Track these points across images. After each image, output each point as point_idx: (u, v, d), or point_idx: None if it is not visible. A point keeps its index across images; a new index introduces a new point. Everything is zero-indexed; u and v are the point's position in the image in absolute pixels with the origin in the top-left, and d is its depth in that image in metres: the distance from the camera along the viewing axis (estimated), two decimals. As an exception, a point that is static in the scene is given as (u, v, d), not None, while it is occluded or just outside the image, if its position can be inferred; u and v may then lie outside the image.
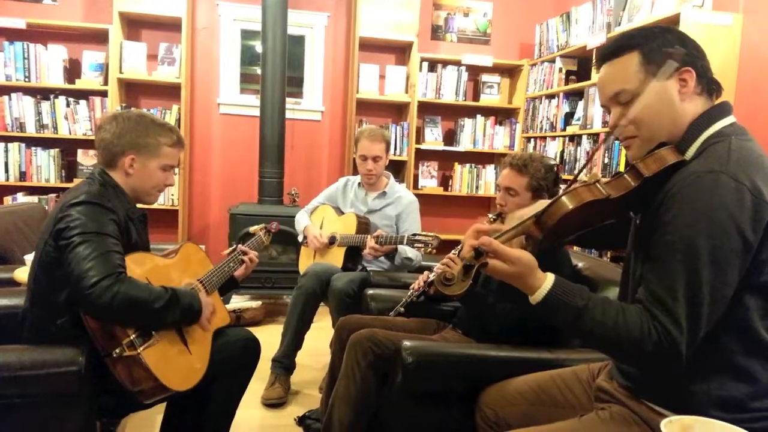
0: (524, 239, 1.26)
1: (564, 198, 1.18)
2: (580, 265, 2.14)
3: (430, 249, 2.63)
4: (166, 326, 1.66)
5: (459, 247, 1.99)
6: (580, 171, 1.46)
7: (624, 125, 1.25)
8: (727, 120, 1.22)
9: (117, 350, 1.53)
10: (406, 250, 2.90)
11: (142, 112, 1.87)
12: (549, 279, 1.19)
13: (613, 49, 1.26)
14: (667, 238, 1.12)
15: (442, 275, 1.20)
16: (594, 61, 1.35)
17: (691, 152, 1.20)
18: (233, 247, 2.15)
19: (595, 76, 3.71)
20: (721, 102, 1.25)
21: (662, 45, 1.21)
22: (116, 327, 1.55)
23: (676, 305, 1.08)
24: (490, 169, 4.88)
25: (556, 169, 2.07)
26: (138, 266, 1.67)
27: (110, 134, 1.76)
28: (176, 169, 1.94)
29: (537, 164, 2.00)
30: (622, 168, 3.31)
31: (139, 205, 1.86)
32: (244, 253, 2.11)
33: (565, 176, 3.84)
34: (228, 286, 2.07)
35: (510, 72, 4.94)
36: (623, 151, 3.31)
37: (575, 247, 3.80)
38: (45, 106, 4.16)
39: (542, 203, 1.43)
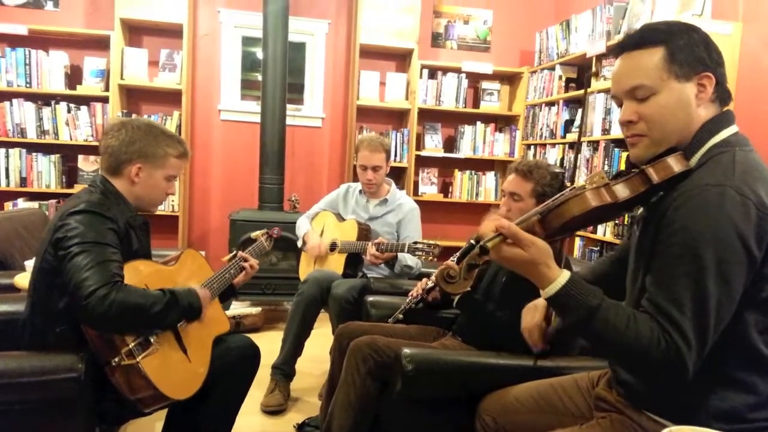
0: None
1: (571, 202, 1.18)
2: (580, 273, 2.14)
3: (431, 257, 2.63)
4: (168, 327, 1.67)
5: (457, 254, 1.99)
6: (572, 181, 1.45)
7: (635, 121, 1.23)
8: (732, 129, 1.21)
9: (116, 359, 1.53)
10: (406, 258, 2.90)
11: (150, 121, 1.87)
12: (564, 274, 1.17)
13: (637, 40, 1.22)
14: (672, 250, 1.11)
15: (445, 272, 1.18)
16: (614, 48, 1.30)
17: (695, 159, 1.19)
18: (234, 253, 2.15)
19: (595, 84, 3.73)
20: (726, 110, 1.24)
21: (688, 44, 1.19)
22: (115, 335, 1.55)
23: (683, 318, 1.07)
24: (490, 175, 4.88)
25: (561, 177, 2.07)
26: (139, 273, 1.67)
27: (118, 141, 1.76)
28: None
29: (543, 171, 2.00)
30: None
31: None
32: (245, 260, 2.11)
33: (568, 184, 3.84)
34: (226, 294, 2.07)
35: (510, 79, 4.96)
36: (623, 159, 3.32)
37: (575, 254, 3.80)
38: (46, 112, 4.17)
39: None
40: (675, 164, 1.17)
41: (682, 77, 1.18)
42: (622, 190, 1.18)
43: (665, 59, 1.18)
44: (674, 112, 1.20)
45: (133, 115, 4.34)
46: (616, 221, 3.40)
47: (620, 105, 1.27)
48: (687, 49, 1.19)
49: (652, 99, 1.20)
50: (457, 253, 1.96)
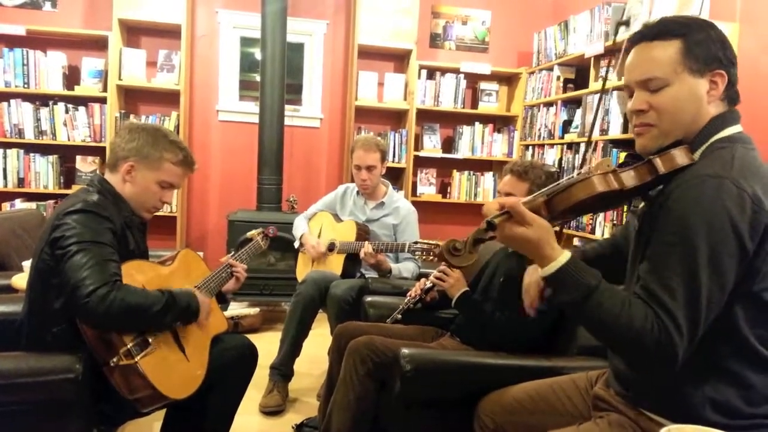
0: None
1: (578, 186, 1.19)
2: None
3: (431, 257, 2.63)
4: (166, 328, 1.66)
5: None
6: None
7: (645, 110, 1.23)
8: (736, 127, 1.23)
9: (114, 359, 1.53)
10: (401, 271, 2.90)
11: (161, 127, 1.86)
12: (566, 253, 1.18)
13: (654, 32, 1.23)
14: (667, 238, 1.13)
15: (450, 244, 1.19)
16: (631, 38, 1.31)
17: (698, 153, 1.21)
18: (231, 254, 2.15)
19: (593, 84, 3.73)
20: (732, 110, 1.26)
21: (705, 40, 1.20)
22: (113, 335, 1.55)
23: (675, 305, 1.08)
24: (489, 176, 4.88)
25: (556, 176, 2.08)
26: (136, 274, 1.66)
27: (121, 139, 1.79)
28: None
29: (538, 171, 2.01)
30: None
31: None
32: (232, 266, 2.05)
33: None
34: (218, 301, 2.04)
35: (508, 80, 4.96)
36: (621, 159, 3.32)
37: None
38: (44, 112, 4.16)
39: None
40: (681, 157, 1.18)
41: (696, 72, 1.20)
42: (628, 178, 1.19)
43: (681, 52, 1.20)
44: (685, 105, 1.21)
45: (132, 116, 4.34)
46: (615, 222, 3.40)
47: (631, 95, 1.27)
48: (704, 45, 1.20)
49: (665, 90, 1.21)
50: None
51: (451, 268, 2.04)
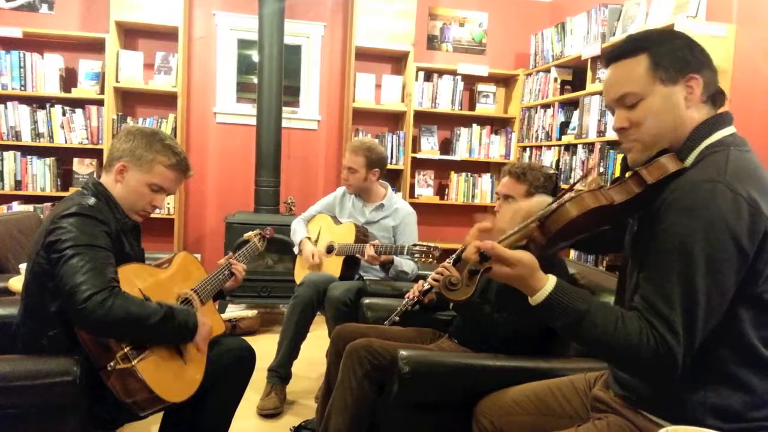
0: (525, 243, 1.26)
1: (568, 205, 1.19)
2: (575, 273, 2.15)
3: (430, 259, 2.63)
4: (160, 343, 1.64)
5: (453, 255, 2.00)
6: (578, 181, 1.46)
7: (627, 128, 1.24)
8: (728, 130, 1.22)
9: (111, 363, 1.52)
10: (402, 264, 2.90)
11: (159, 131, 1.84)
12: (551, 281, 1.19)
13: (621, 51, 1.25)
14: (663, 246, 1.13)
15: (446, 280, 1.20)
16: (601, 60, 1.34)
17: (690, 159, 1.21)
18: (229, 256, 2.14)
19: (590, 86, 3.74)
20: (723, 111, 1.25)
21: (671, 49, 1.21)
22: (110, 340, 1.54)
23: (672, 314, 1.08)
24: (486, 177, 4.89)
25: (555, 177, 2.08)
26: (132, 278, 1.66)
27: (118, 140, 1.79)
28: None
29: (536, 172, 2.01)
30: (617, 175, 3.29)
31: None
32: (231, 265, 2.06)
33: (562, 185, 3.84)
34: (215, 296, 2.04)
35: (505, 81, 4.97)
36: (618, 161, 3.32)
37: (571, 256, 3.81)
38: (41, 114, 4.16)
39: (543, 201, 1.44)
40: (668, 164, 1.19)
41: (668, 81, 1.20)
42: (617, 192, 1.20)
43: (649, 65, 1.21)
44: (662, 115, 1.22)
45: (129, 118, 4.34)
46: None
47: (614, 113, 1.29)
48: (670, 54, 1.21)
49: (640, 104, 1.22)
50: (453, 256, 1.97)
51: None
